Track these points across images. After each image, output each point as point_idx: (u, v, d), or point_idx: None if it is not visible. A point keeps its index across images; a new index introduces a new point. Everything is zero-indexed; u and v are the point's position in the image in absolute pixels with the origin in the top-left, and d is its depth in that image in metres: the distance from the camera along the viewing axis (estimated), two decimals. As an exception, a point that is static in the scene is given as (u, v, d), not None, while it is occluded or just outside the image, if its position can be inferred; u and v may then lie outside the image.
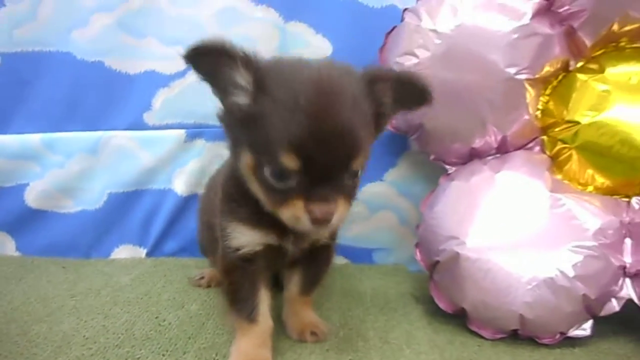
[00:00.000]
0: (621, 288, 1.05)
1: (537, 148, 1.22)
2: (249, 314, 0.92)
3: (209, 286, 1.30)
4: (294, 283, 1.05)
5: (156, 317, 1.12)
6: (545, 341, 1.04)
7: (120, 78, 1.46)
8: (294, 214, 0.77)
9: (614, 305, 1.05)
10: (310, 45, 1.43)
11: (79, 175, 1.50)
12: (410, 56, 1.20)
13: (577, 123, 1.14)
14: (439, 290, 1.13)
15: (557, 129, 1.17)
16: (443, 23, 1.16)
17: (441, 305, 1.12)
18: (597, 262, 1.02)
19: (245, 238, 0.92)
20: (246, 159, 0.81)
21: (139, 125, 1.47)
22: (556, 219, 1.06)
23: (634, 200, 1.12)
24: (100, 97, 1.46)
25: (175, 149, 1.47)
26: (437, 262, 1.11)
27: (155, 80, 1.45)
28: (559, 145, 1.17)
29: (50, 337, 1.02)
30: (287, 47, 1.43)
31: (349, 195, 0.81)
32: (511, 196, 1.10)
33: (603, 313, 1.05)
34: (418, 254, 1.21)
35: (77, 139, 1.48)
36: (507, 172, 1.13)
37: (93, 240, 1.53)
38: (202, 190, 1.40)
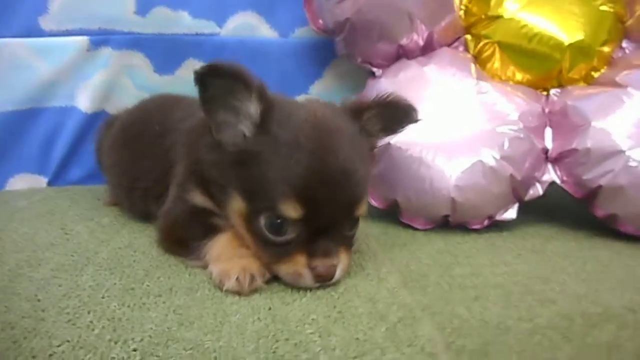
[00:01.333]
0: (544, 172, 1.08)
1: (461, 47, 1.22)
2: (204, 236, 0.80)
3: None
4: None
5: (61, 229, 1.00)
6: (474, 226, 1.05)
7: (9, -27, 1.26)
8: (296, 270, 0.71)
9: (538, 189, 1.08)
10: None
11: (-42, 91, 1.29)
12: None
13: (500, 17, 1.15)
14: (371, 188, 1.10)
15: (480, 25, 1.18)
16: None
17: (373, 202, 1.10)
18: (522, 143, 1.04)
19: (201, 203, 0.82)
20: (237, 205, 0.74)
21: (33, 31, 1.28)
22: (483, 105, 1.06)
23: (552, 92, 1.15)
24: (-17, -2, 1.26)
25: (77, 59, 1.31)
26: (368, 155, 1.07)
27: (52, -22, 1.27)
28: (483, 42, 1.18)
29: None
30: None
31: (349, 244, 0.77)
32: (440, 87, 1.09)
33: (528, 198, 1.08)
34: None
35: (-44, 49, 1.27)
36: (435, 67, 1.12)
37: (-19, 170, 1.33)
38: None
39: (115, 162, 1.11)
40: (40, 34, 1.29)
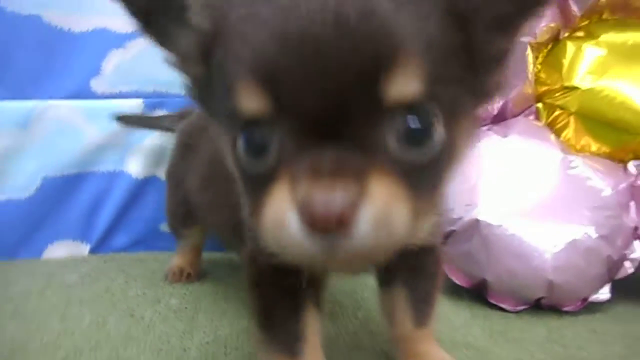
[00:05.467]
0: (633, 250, 1.04)
1: (532, 116, 1.20)
2: (289, 347, 0.61)
3: (188, 278, 1.10)
4: (401, 312, 0.70)
5: (131, 315, 0.92)
6: (567, 308, 1.00)
7: (62, 36, 1.21)
8: (274, 213, 0.40)
9: (628, 268, 1.03)
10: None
11: (4, 155, 1.22)
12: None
13: (576, 88, 1.13)
14: (453, 264, 1.04)
15: (555, 95, 1.16)
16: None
17: (456, 279, 1.04)
18: (615, 222, 1.00)
19: None
20: (225, 143, 0.50)
21: (84, 93, 1.23)
22: (575, 180, 1.03)
23: (630, 164, 1.12)
24: (35, 58, 1.21)
25: (130, 123, 1.25)
26: (453, 231, 1.02)
27: (107, 40, 1.23)
28: (557, 112, 1.16)
29: (-6, 346, 0.78)
30: None
31: (407, 172, 0.41)
32: (523, 159, 1.06)
33: (618, 276, 1.03)
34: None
35: (1, 109, 1.20)
36: (515, 136, 1.09)
37: (21, 237, 1.24)
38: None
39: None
40: (92, 96, 1.24)
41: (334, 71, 0.38)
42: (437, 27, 0.42)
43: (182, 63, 0.52)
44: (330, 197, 0.36)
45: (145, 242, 1.29)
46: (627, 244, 1.03)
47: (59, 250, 1.27)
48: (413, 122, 0.40)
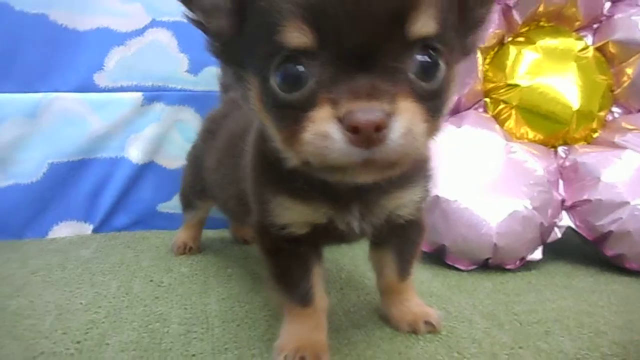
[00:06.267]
0: (561, 219, 1.28)
1: (481, 109, 1.41)
2: (302, 299, 0.75)
3: (190, 250, 1.26)
4: (388, 268, 0.86)
5: (150, 280, 1.08)
6: (508, 266, 1.23)
7: (67, 34, 1.32)
8: (318, 130, 0.49)
9: (557, 233, 1.27)
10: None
11: (14, 143, 1.32)
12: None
13: (517, 86, 1.35)
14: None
15: (500, 91, 1.37)
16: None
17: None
18: (546, 195, 1.23)
19: (292, 215, 0.71)
20: (252, 86, 0.59)
21: (88, 87, 1.35)
22: (514, 163, 1.25)
23: (559, 149, 1.36)
24: (41, 54, 1.31)
25: (130, 114, 1.38)
26: (417, 206, 1.23)
27: (109, 38, 1.35)
28: (501, 105, 1.37)
29: (39, 308, 0.92)
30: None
31: (424, 98, 0.53)
32: (474, 145, 1.27)
33: (549, 240, 1.27)
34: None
35: (12, 101, 1.31)
36: (467, 126, 1.30)
37: (28, 219, 1.36)
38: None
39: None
40: (95, 89, 1.36)
41: (369, 12, 0.48)
42: None
43: (207, 19, 0.59)
44: (370, 110, 0.47)
45: (144, 221, 1.43)
46: (556, 214, 1.27)
47: (64, 230, 1.39)
48: (427, 57, 0.53)
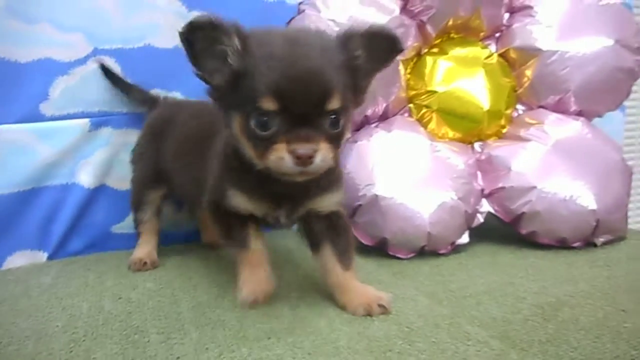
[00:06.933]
0: (481, 205, 1.47)
1: (406, 114, 1.58)
2: (241, 242, 1.06)
3: (145, 266, 1.31)
4: (330, 262, 1.06)
5: (119, 298, 1.13)
6: (442, 251, 1.39)
7: (9, 67, 1.34)
8: (278, 155, 0.85)
9: (479, 219, 1.46)
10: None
11: (-42, 177, 1.32)
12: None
13: (436, 92, 1.53)
14: (361, 229, 1.38)
15: (421, 97, 1.55)
16: (338, 14, 1.42)
17: (364, 241, 1.38)
18: (468, 187, 1.41)
19: (239, 203, 1.04)
20: (236, 121, 0.92)
21: (35, 116, 1.37)
22: (439, 160, 1.42)
23: (476, 145, 1.56)
24: (-18, 88, 1.31)
25: (79, 140, 1.41)
26: (359, 205, 1.37)
27: (52, 68, 1.37)
28: (424, 110, 1.54)
29: (16, 335, 0.96)
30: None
31: (332, 140, 0.89)
32: (403, 147, 1.43)
33: (473, 225, 1.45)
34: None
35: (-46, 136, 1.30)
36: (396, 130, 1.46)
37: (-21, 252, 1.35)
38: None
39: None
40: (42, 119, 1.38)
41: (309, 95, 0.85)
42: (344, 76, 0.90)
43: (210, 77, 0.92)
44: (306, 148, 0.85)
45: (99, 244, 1.46)
46: (478, 202, 1.45)
47: (19, 259, 1.40)
48: (335, 117, 0.89)
